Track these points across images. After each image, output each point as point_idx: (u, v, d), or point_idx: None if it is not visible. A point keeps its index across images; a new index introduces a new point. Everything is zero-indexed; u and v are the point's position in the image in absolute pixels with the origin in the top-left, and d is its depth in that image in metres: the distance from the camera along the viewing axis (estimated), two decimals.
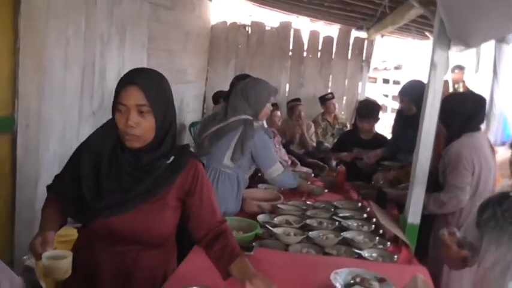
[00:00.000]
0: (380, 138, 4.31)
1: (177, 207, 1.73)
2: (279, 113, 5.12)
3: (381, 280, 1.84)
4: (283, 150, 5.12)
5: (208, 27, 6.90)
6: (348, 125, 6.21)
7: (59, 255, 1.50)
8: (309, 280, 1.88)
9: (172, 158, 1.69)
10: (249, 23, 7.04)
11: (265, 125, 3.11)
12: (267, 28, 6.99)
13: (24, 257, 3.08)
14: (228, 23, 7.03)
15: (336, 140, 5.33)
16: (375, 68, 9.54)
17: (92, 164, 1.66)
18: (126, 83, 1.61)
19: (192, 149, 1.92)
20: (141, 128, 1.59)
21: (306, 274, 1.94)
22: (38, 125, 3.14)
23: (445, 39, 2.45)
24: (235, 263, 1.64)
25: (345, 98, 6.96)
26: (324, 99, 6.14)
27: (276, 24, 7.00)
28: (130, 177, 1.64)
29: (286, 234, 2.40)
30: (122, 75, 1.74)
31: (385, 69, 9.50)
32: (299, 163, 5.15)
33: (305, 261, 2.12)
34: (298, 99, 6.00)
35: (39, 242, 1.52)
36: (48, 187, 1.83)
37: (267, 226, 2.49)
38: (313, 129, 5.99)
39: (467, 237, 1.76)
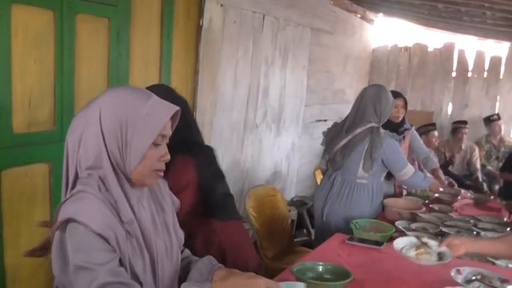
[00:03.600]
0: None
1: None
2: (436, 133, 5.08)
3: (504, 281, 1.88)
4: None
5: (369, 49, 7.12)
6: None
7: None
8: (431, 274, 1.99)
9: None
10: (411, 45, 7.09)
11: None
12: (429, 50, 6.97)
13: None
14: (389, 46, 7.17)
15: (505, 159, 5.10)
16: None
17: None
18: None
19: None
20: None
21: (429, 269, 2.05)
22: (210, 133, 3.71)
23: None
24: None
25: None
26: (489, 120, 5.89)
27: (440, 45, 6.93)
28: None
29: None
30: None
31: None
32: (456, 185, 5.04)
33: None
34: (464, 122, 5.85)
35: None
36: None
37: (402, 229, 2.63)
38: (477, 152, 5.77)
39: None
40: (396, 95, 3.63)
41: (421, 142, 3.97)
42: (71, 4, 2.52)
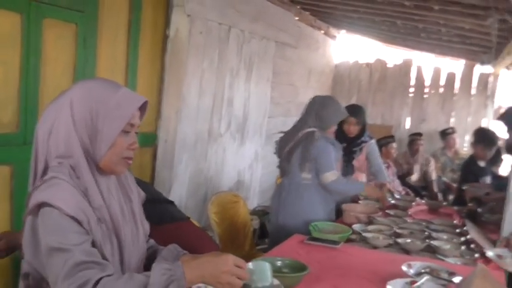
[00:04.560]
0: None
1: None
2: (394, 144, 5.25)
3: (451, 274, 2.01)
4: (397, 181, 5.25)
5: (332, 64, 7.34)
6: None
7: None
8: (384, 269, 2.10)
9: None
10: (372, 61, 7.35)
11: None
12: (388, 65, 7.25)
13: None
14: (351, 62, 7.42)
15: (460, 177, 5.25)
16: None
17: None
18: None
19: None
20: None
21: (382, 265, 2.17)
22: (174, 141, 3.75)
23: None
24: None
25: (467, 135, 6.85)
26: (444, 134, 6.14)
27: (399, 61, 7.22)
28: None
29: (375, 238, 2.63)
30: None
31: None
32: (413, 195, 5.22)
33: (385, 257, 2.34)
34: (419, 134, 6.07)
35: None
36: None
37: (359, 231, 2.74)
38: (433, 163, 6.00)
39: None
40: (350, 113, 3.68)
41: (378, 156, 4.04)
42: (38, 8, 2.56)
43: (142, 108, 1.41)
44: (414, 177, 5.80)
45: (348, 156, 3.78)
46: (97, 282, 1.17)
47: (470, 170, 4.53)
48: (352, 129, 3.76)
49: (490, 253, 2.11)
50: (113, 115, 1.31)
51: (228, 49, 4.30)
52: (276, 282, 1.52)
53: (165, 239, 1.70)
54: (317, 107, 3.14)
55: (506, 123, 3.41)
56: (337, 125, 3.78)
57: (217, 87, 4.23)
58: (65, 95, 1.35)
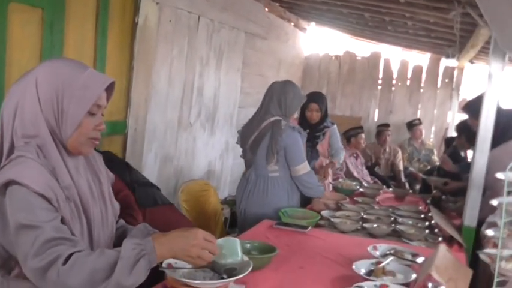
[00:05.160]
0: None
1: None
2: (363, 135, 5.36)
3: (415, 255, 2.08)
4: (365, 171, 5.35)
5: (302, 56, 7.39)
6: (435, 152, 6.29)
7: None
8: (350, 252, 2.16)
9: None
10: (341, 54, 7.44)
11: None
12: (357, 58, 7.35)
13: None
14: (321, 54, 7.50)
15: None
16: None
17: None
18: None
19: None
20: None
21: (349, 248, 2.22)
22: (144, 129, 3.73)
23: (500, 52, 2.65)
24: None
25: (433, 126, 7.03)
26: (411, 125, 6.28)
27: (368, 54, 7.33)
28: None
29: (343, 223, 2.68)
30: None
31: None
32: (380, 184, 5.33)
33: (352, 240, 2.40)
34: (387, 125, 6.20)
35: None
36: None
37: (327, 217, 2.79)
38: (400, 154, 6.14)
39: None
40: (312, 99, 3.81)
41: (339, 140, 4.13)
42: None
43: (109, 89, 1.40)
44: (382, 167, 5.92)
45: (312, 141, 3.85)
46: (68, 257, 1.18)
47: (455, 159, 4.69)
48: (315, 115, 3.83)
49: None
50: (79, 96, 1.30)
51: (198, 38, 4.29)
52: (246, 258, 1.54)
53: (156, 220, 1.72)
54: (278, 94, 3.06)
55: (470, 114, 3.51)
56: (300, 111, 3.86)
57: (187, 76, 4.22)
58: (30, 74, 1.33)
